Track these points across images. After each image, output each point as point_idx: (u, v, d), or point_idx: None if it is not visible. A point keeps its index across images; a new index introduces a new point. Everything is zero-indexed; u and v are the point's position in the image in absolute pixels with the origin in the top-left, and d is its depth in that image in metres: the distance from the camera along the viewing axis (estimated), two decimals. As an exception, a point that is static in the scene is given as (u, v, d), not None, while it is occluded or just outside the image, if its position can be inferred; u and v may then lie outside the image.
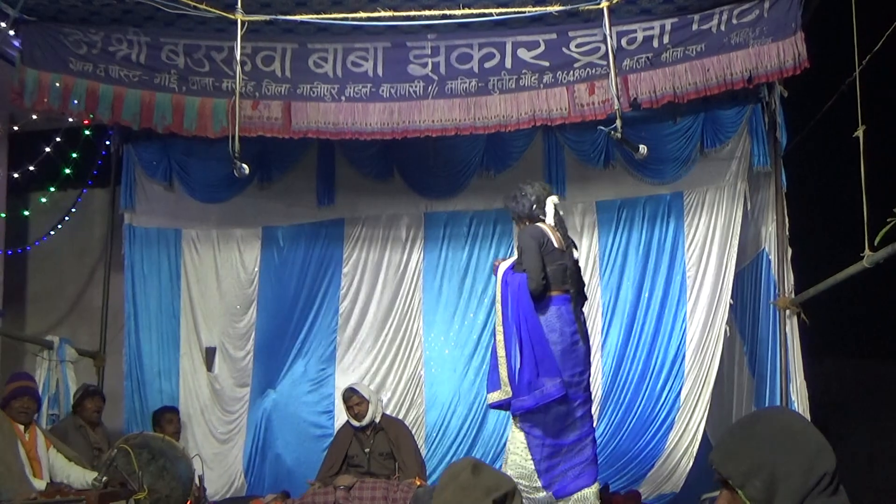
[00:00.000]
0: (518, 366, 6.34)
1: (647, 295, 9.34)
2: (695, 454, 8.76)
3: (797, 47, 7.88)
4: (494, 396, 6.52)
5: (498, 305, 6.64)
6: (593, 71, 8.22)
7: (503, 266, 6.72)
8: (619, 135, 7.02)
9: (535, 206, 6.80)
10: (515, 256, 6.77)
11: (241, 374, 9.95)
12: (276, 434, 9.65)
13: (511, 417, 6.58)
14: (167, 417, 9.16)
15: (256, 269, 10.10)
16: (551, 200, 6.85)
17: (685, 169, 9.32)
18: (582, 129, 9.10)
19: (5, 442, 7.14)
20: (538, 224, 6.70)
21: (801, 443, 2.48)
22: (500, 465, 6.73)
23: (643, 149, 7.28)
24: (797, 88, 8.68)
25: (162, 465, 7.19)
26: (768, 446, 2.48)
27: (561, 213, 6.96)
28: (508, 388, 6.39)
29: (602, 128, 7.15)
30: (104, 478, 6.75)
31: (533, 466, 6.40)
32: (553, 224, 6.76)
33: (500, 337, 6.51)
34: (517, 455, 6.46)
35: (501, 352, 6.48)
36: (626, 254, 9.48)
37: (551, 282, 6.52)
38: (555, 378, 6.29)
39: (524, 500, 5.96)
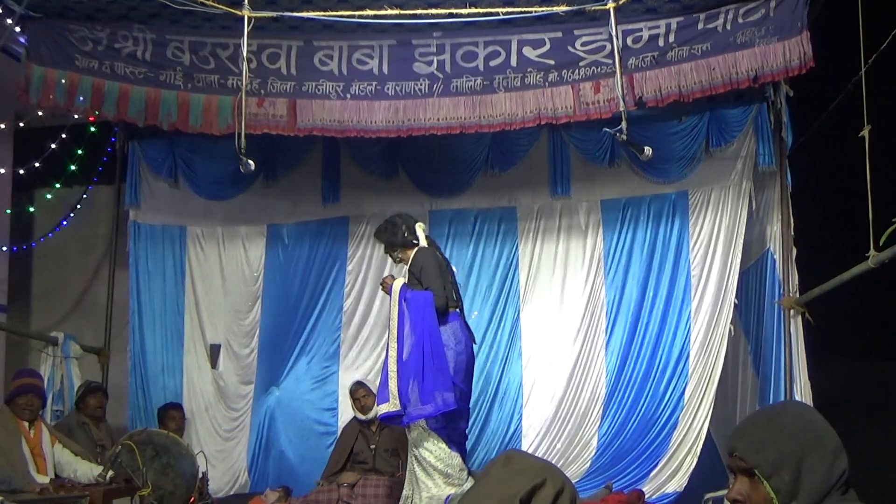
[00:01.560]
0: (422, 376, 6.75)
1: (651, 294, 9.34)
2: (699, 453, 8.75)
3: (803, 47, 7.87)
4: (384, 408, 6.89)
5: (393, 323, 7.10)
6: (599, 70, 8.21)
7: (397, 284, 7.20)
8: (624, 136, 7.09)
9: (406, 234, 7.36)
10: (403, 277, 7.30)
11: (245, 371, 9.96)
12: (280, 431, 9.66)
13: (410, 431, 6.92)
14: (171, 414, 9.18)
15: (261, 267, 10.11)
16: (419, 226, 7.46)
17: (690, 168, 9.31)
18: (587, 128, 9.09)
19: (9, 438, 7.17)
20: (427, 247, 7.29)
21: (825, 439, 2.50)
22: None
23: (648, 150, 7.30)
24: (803, 88, 8.67)
25: (166, 462, 7.22)
26: (797, 439, 2.49)
27: (431, 237, 7.64)
28: (397, 401, 6.80)
29: (607, 129, 7.18)
30: (109, 473, 6.77)
31: (460, 458, 6.89)
32: (428, 245, 7.36)
33: (392, 353, 6.99)
34: (440, 459, 6.80)
35: (393, 366, 6.94)
36: (631, 253, 9.48)
37: (449, 299, 7.08)
38: (450, 391, 6.75)
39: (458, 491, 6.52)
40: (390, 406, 6.81)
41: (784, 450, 2.48)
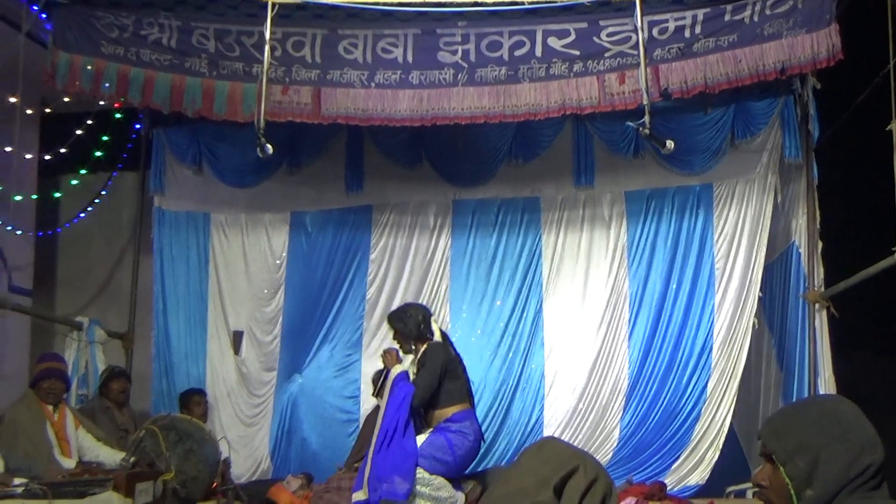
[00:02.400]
0: (377, 461, 6.86)
1: (674, 286, 9.31)
2: (721, 447, 8.73)
3: (831, 39, 7.82)
4: (358, 496, 6.88)
5: (381, 410, 7.21)
6: (624, 60, 8.18)
7: (395, 371, 7.31)
8: (647, 131, 7.08)
9: (421, 326, 7.42)
10: (402, 364, 7.40)
11: (267, 358, 10.00)
12: (302, 418, 9.70)
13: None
14: (195, 400, 9.23)
15: (284, 254, 10.13)
16: (434, 320, 7.61)
17: (715, 160, 9.27)
18: (612, 119, 9.06)
19: (34, 422, 7.23)
20: (439, 343, 7.35)
21: (850, 432, 2.50)
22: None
23: (670, 144, 7.29)
24: (830, 80, 8.62)
25: (189, 447, 7.25)
26: (817, 429, 2.52)
27: (445, 332, 7.80)
28: (367, 490, 6.80)
29: (631, 123, 7.17)
30: (132, 458, 6.81)
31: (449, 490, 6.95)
32: (442, 341, 7.43)
33: (374, 440, 7.08)
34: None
35: (371, 453, 7.01)
36: (655, 245, 9.45)
37: (457, 397, 7.22)
38: (404, 480, 6.77)
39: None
40: (360, 494, 6.82)
41: (803, 439, 2.51)
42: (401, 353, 7.55)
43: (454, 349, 7.59)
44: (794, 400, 8.39)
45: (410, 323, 7.46)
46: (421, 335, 7.42)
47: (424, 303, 9.69)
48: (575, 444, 8.84)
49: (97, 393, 8.94)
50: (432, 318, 7.62)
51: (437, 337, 7.48)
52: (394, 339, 7.65)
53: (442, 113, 8.45)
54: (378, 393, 7.82)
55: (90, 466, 7.04)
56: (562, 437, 8.92)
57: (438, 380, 7.18)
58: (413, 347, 7.47)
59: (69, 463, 7.17)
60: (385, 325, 9.59)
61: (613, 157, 9.58)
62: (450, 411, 7.19)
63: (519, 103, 8.38)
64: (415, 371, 7.36)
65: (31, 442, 7.08)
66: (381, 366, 8.47)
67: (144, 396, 9.78)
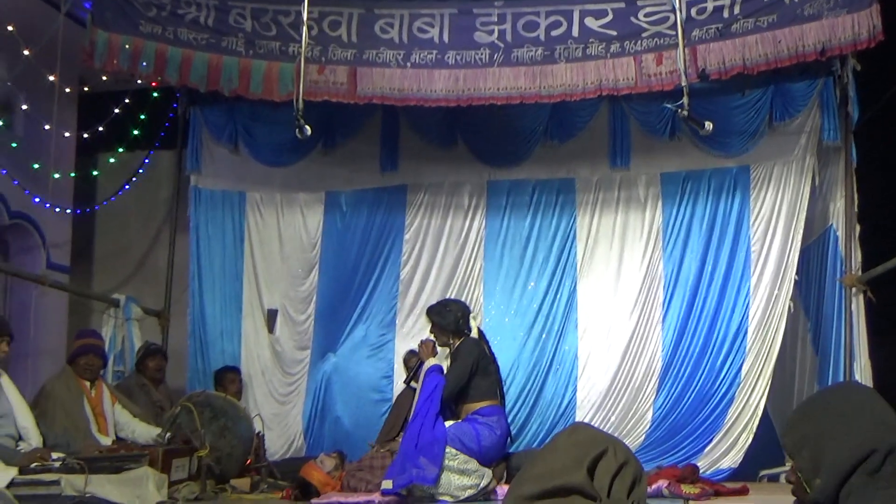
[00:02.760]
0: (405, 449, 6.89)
1: (710, 268, 9.26)
2: (754, 430, 8.69)
3: (872, 19, 7.73)
4: (386, 484, 6.81)
5: (416, 399, 7.25)
6: (661, 41, 8.14)
7: (428, 364, 7.38)
8: (685, 112, 7.03)
9: (460, 322, 7.47)
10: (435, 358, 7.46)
11: (301, 337, 10.05)
12: (336, 397, 9.74)
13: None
14: (229, 377, 9.30)
15: (319, 234, 10.17)
16: (472, 317, 7.66)
17: (753, 142, 9.19)
18: (648, 100, 9.01)
19: (72, 398, 7.30)
20: (474, 339, 7.42)
21: (853, 418, 2.48)
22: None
23: (708, 125, 7.24)
24: (870, 62, 8.52)
25: (223, 424, 7.32)
26: (819, 418, 2.51)
27: (482, 330, 7.84)
28: (390, 483, 6.76)
29: (668, 104, 7.13)
30: (168, 434, 6.87)
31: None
32: (478, 338, 7.51)
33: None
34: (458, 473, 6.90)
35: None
36: (690, 227, 9.40)
37: (487, 393, 7.26)
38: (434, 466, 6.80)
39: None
40: (388, 483, 6.79)
41: (807, 430, 2.52)
42: (437, 346, 7.59)
43: (489, 347, 7.64)
44: (828, 384, 8.35)
45: (449, 317, 7.49)
46: (458, 330, 7.46)
47: (458, 283, 9.75)
48: (607, 426, 8.91)
49: (133, 370, 9.03)
50: (471, 316, 7.66)
51: (474, 334, 7.53)
52: (431, 331, 7.67)
53: (477, 93, 8.45)
54: (409, 380, 7.87)
55: (127, 443, 7.10)
56: (594, 419, 8.98)
57: (468, 375, 7.23)
58: (450, 342, 7.51)
59: (106, 440, 7.25)
60: (420, 305, 9.65)
61: (649, 139, 9.53)
62: (478, 405, 7.23)
63: (555, 84, 8.36)
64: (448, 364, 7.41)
65: (70, 417, 7.16)
66: (414, 346, 8.51)
67: (180, 373, 9.87)
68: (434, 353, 7.50)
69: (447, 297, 9.66)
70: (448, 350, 7.55)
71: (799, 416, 2.59)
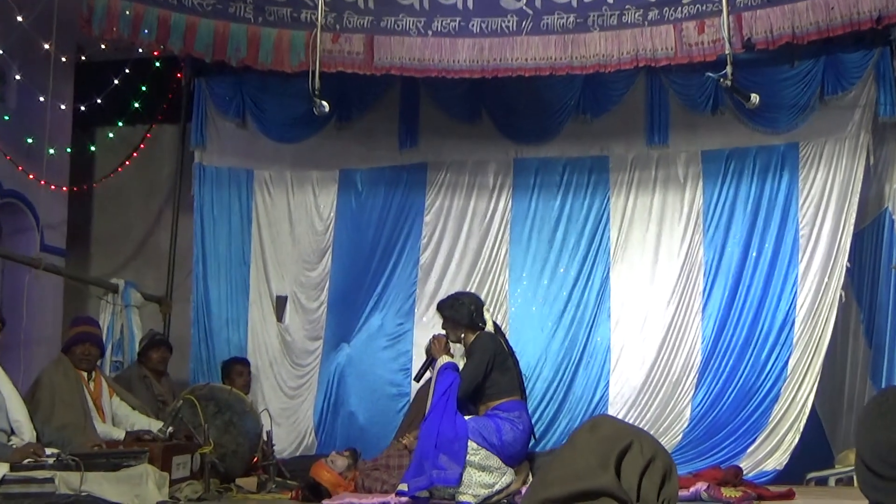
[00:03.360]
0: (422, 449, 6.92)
1: (754, 254, 9.22)
2: (801, 429, 8.66)
3: (934, -16, 7.66)
4: (402, 487, 6.88)
5: (429, 399, 7.23)
6: (703, 7, 8.08)
7: (441, 362, 7.38)
8: (728, 82, 6.99)
9: (473, 315, 7.48)
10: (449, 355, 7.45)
11: (313, 326, 10.07)
12: (350, 391, 9.76)
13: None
14: (237, 369, 9.32)
15: (332, 215, 10.18)
16: (486, 310, 7.66)
17: (802, 118, 9.13)
18: (689, 72, 8.95)
19: (71, 390, 7.29)
20: (490, 333, 7.42)
21: (886, 421, 2.42)
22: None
23: (755, 98, 7.19)
24: (931, 31, 8.45)
25: (228, 419, 7.35)
26: (864, 423, 2.46)
27: (497, 324, 7.86)
28: (406, 486, 6.81)
29: (711, 74, 7.08)
30: (169, 429, 6.89)
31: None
32: (493, 332, 7.51)
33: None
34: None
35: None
36: (734, 209, 9.35)
37: (506, 389, 7.28)
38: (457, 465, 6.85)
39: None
40: (403, 486, 6.86)
41: (857, 435, 2.48)
42: (450, 343, 7.59)
43: (506, 342, 7.66)
44: (882, 379, 8.33)
45: (462, 311, 7.51)
46: (472, 324, 7.46)
47: (482, 268, 9.74)
48: (642, 424, 8.86)
49: (134, 361, 9.06)
50: (485, 308, 7.66)
51: (489, 328, 7.53)
52: (443, 327, 7.68)
53: (504, 64, 8.42)
54: (419, 377, 7.87)
55: (138, 433, 7.11)
56: (627, 417, 8.95)
57: (485, 371, 7.23)
58: (462, 337, 7.51)
59: (118, 433, 7.26)
60: (441, 293, 9.63)
61: (690, 114, 9.48)
62: (497, 401, 7.23)
63: (588, 54, 8.33)
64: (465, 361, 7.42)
65: (70, 410, 7.15)
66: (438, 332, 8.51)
67: (182, 364, 9.90)
68: (447, 351, 7.50)
69: (470, 284, 9.68)
70: (463, 347, 7.54)
71: (858, 423, 2.52)
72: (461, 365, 7.45)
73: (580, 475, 2.16)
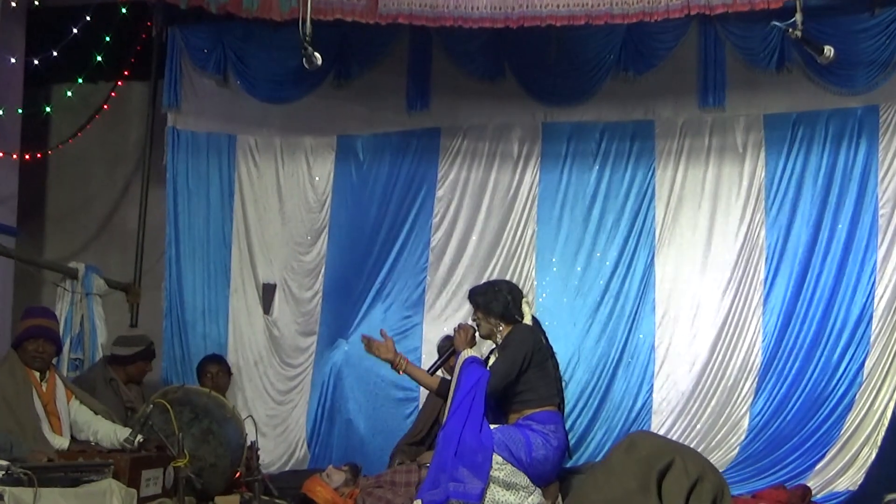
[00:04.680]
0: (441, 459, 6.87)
1: (825, 237, 9.22)
2: (879, 443, 8.66)
3: None
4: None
5: (451, 397, 7.13)
6: (768, -56, 8.06)
7: (464, 355, 7.27)
8: (798, 33, 6.96)
9: (510, 304, 7.37)
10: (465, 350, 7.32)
11: (306, 319, 10.11)
12: (348, 395, 9.79)
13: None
14: (209, 370, 9.29)
15: (329, 189, 10.21)
16: (526, 302, 7.52)
17: (884, 76, 9.10)
18: (750, 22, 8.96)
19: (19, 391, 7.27)
20: (529, 326, 7.35)
21: None
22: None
23: (829, 50, 7.17)
24: None
25: (207, 427, 7.35)
26: None
27: (537, 318, 7.68)
28: (420, 502, 6.80)
29: (777, 23, 7.06)
30: (138, 438, 6.89)
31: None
32: (532, 326, 7.43)
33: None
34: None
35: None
36: (801, 183, 9.35)
37: (544, 395, 7.20)
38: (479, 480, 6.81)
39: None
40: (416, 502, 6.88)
41: None
42: (478, 335, 7.54)
43: (546, 339, 7.53)
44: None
45: (499, 298, 7.38)
46: (507, 314, 7.36)
47: (504, 252, 9.77)
48: (692, 436, 8.92)
49: (101, 360, 9.03)
50: (524, 301, 7.52)
51: (528, 320, 7.44)
52: (473, 318, 7.59)
53: (532, 11, 8.42)
54: (434, 369, 7.84)
55: (86, 447, 7.12)
56: (674, 428, 8.99)
57: (521, 367, 7.13)
58: (495, 329, 7.43)
59: (61, 442, 7.27)
60: (455, 281, 9.67)
61: (750, 71, 9.47)
62: (531, 410, 7.17)
63: (630, 0, 8.31)
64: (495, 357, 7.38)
65: (15, 415, 7.15)
66: (448, 331, 8.52)
67: (153, 363, 9.91)
68: (472, 344, 7.45)
69: (490, 271, 9.69)
70: (493, 343, 7.50)
71: None
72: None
73: (618, 501, 2.17)
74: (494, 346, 7.45)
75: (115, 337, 9.18)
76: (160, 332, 9.97)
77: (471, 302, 7.58)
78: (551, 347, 7.54)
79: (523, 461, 6.91)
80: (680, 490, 2.18)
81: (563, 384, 7.56)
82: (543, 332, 7.53)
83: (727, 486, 2.29)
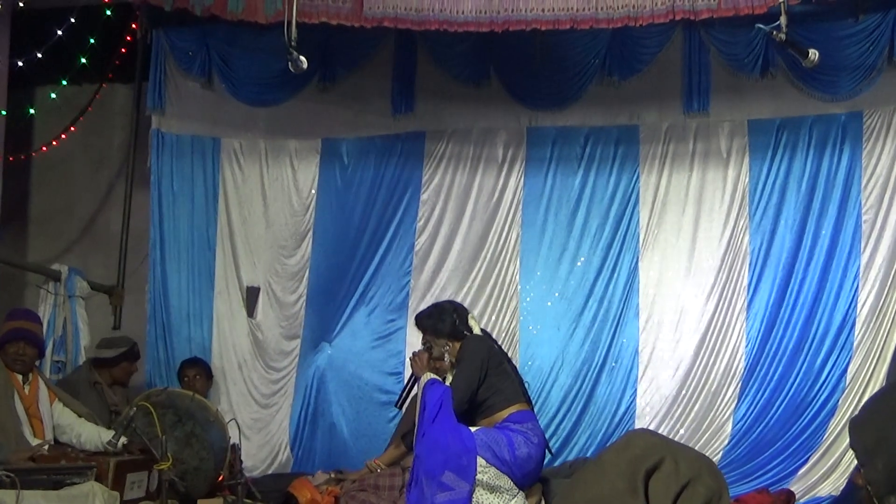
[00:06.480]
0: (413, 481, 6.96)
1: (809, 242, 9.24)
2: (862, 448, 8.68)
3: None
4: None
5: (417, 422, 7.14)
6: (753, -50, 8.08)
7: (424, 379, 7.28)
8: (782, 36, 6.97)
9: (456, 322, 7.47)
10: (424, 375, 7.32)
11: (289, 322, 10.09)
12: (332, 399, 9.79)
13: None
14: (187, 374, 9.30)
15: (313, 192, 10.20)
16: (472, 318, 7.65)
17: (867, 82, 9.13)
18: (734, 27, 8.97)
19: (0, 394, 7.29)
20: (479, 336, 7.46)
21: None
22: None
23: (813, 54, 7.17)
24: None
25: (190, 430, 7.34)
26: None
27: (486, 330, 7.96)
28: None
29: (761, 26, 7.06)
30: (121, 440, 6.88)
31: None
32: (482, 335, 7.57)
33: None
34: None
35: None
36: (785, 188, 9.37)
37: (511, 397, 7.22)
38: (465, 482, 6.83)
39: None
40: None
41: (883, 434, 2.48)
42: (433, 359, 7.55)
43: (499, 345, 7.67)
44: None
45: (445, 318, 7.47)
46: (456, 332, 7.42)
47: (488, 256, 9.77)
48: (676, 439, 8.83)
49: (86, 363, 9.00)
50: (470, 316, 7.61)
51: (476, 332, 7.52)
52: (423, 342, 7.60)
53: (517, 15, 8.41)
54: (402, 402, 7.83)
55: (66, 450, 7.09)
56: (658, 431, 8.93)
57: (480, 377, 7.16)
58: (447, 349, 7.46)
59: (40, 444, 7.25)
60: (439, 284, 9.70)
61: (735, 77, 9.49)
62: (505, 413, 7.16)
63: (615, 4, 8.33)
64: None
65: (-4, 418, 7.16)
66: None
67: (137, 365, 9.90)
68: (430, 368, 7.46)
69: (474, 274, 9.70)
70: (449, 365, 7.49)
71: (875, 414, 2.56)
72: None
73: (604, 499, 2.16)
74: (451, 361, 7.46)
75: (98, 340, 9.17)
76: (143, 335, 9.94)
77: (418, 327, 7.66)
78: (505, 353, 7.72)
79: (507, 461, 6.90)
80: (667, 492, 2.16)
81: (539, 386, 7.60)
82: (495, 340, 7.72)
83: (727, 490, 2.27)
